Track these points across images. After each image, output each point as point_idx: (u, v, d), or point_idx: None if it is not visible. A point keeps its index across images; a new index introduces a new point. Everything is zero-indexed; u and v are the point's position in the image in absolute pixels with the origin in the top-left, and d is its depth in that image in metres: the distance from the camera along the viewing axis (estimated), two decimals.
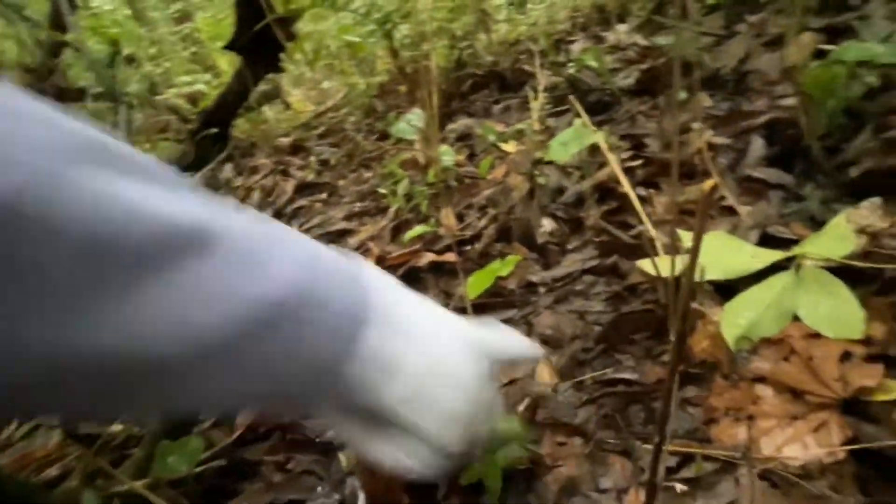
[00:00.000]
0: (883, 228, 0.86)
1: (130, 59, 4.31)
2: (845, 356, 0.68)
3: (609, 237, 1.10)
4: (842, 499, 0.57)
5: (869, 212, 0.90)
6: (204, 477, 0.80)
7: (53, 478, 0.94)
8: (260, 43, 2.33)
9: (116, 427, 0.95)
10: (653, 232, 0.79)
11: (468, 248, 1.25)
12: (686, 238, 0.95)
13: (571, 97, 0.93)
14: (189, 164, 2.95)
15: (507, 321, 1.01)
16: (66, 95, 4.28)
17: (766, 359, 0.73)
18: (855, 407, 0.63)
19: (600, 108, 1.67)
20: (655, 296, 0.92)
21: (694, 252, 0.40)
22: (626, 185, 0.71)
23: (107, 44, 4.21)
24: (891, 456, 0.58)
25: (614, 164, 0.73)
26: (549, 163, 1.36)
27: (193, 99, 4.79)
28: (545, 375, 0.87)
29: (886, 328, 0.70)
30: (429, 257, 1.22)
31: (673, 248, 0.72)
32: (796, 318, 0.77)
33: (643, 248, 0.90)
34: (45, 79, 4.04)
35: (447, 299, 1.14)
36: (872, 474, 0.58)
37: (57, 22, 3.55)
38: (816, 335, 0.73)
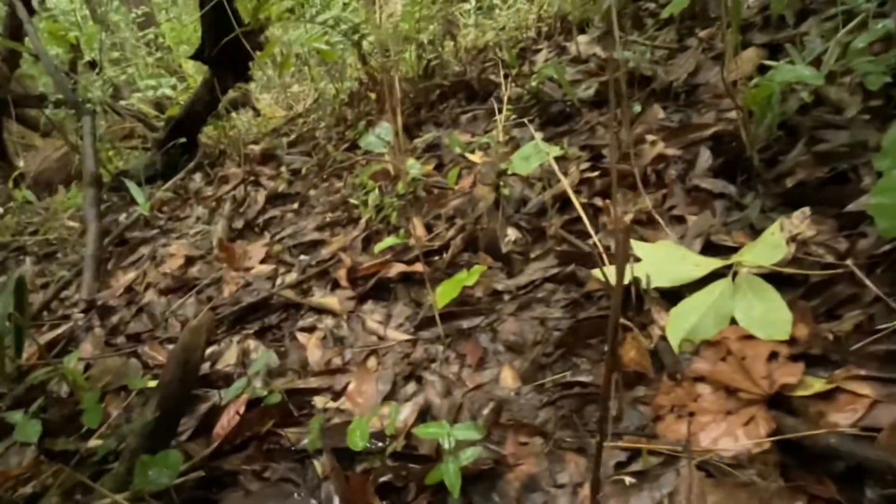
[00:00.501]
0: (810, 236, 0.95)
1: (92, 64, 4.22)
2: (773, 356, 0.75)
3: (568, 246, 1.17)
4: (766, 485, 0.64)
5: (799, 221, 0.98)
6: (184, 488, 0.83)
7: (29, 495, 0.95)
8: (228, 53, 2.33)
9: (94, 442, 0.97)
10: (599, 246, 0.86)
11: (437, 258, 1.30)
12: (637, 247, 1.02)
13: (527, 120, 0.99)
14: (157, 174, 2.92)
15: (473, 328, 1.07)
16: (25, 102, 4.18)
17: (706, 359, 0.80)
18: (779, 402, 0.70)
19: (562, 119, 1.74)
20: (609, 302, 0.98)
21: (619, 276, 0.46)
22: (576, 204, 0.77)
23: (66, 48, 4.11)
24: (808, 445, 0.65)
25: (566, 185, 0.79)
26: (513, 174, 1.42)
27: (159, 104, 4.72)
28: (509, 380, 0.93)
29: (809, 329, 0.78)
30: (399, 268, 1.26)
31: (619, 259, 0.79)
32: (733, 322, 0.84)
33: (598, 256, 0.97)
34: (3, 85, 3.93)
35: (417, 308, 1.19)
36: (793, 462, 0.66)
37: (14, 27, 3.47)
38: (750, 336, 0.80)
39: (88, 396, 0.86)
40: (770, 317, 0.81)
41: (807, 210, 1.00)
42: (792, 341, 0.77)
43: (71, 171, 4.22)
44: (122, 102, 4.33)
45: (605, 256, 0.98)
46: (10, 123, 4.44)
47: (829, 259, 0.89)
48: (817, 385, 0.69)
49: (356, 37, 2.11)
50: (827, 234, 0.94)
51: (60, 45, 4.19)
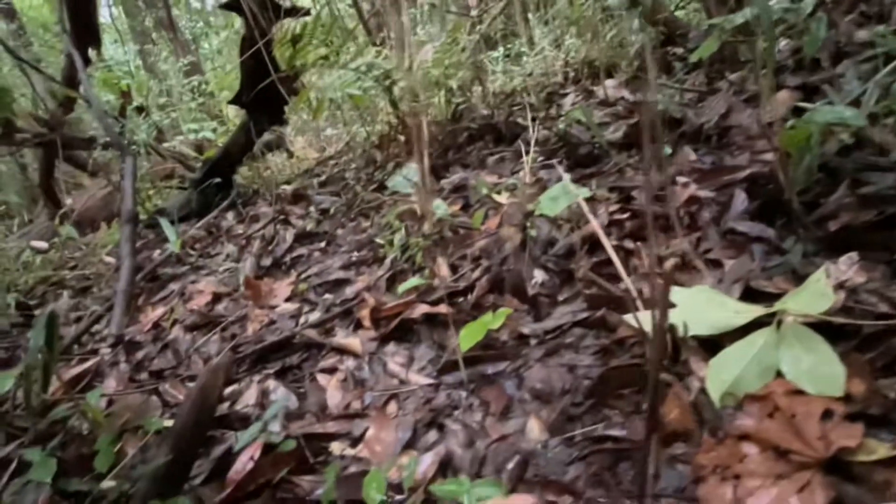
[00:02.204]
0: (860, 283, 0.88)
1: (140, 109, 4.47)
2: (827, 414, 0.69)
3: (598, 290, 1.12)
4: None
5: (847, 267, 0.92)
6: None
7: None
8: (264, 98, 2.43)
9: (107, 484, 0.95)
10: (633, 289, 0.82)
11: (461, 299, 1.27)
12: (672, 292, 0.98)
13: (555, 162, 0.97)
14: (192, 212, 3.01)
15: (498, 374, 1.02)
16: (75, 144, 4.43)
17: (751, 415, 0.74)
18: (837, 467, 0.64)
19: (590, 161, 1.72)
20: (643, 349, 0.93)
21: (661, 325, 0.43)
22: (607, 246, 0.74)
23: (117, 95, 4.39)
24: None
25: (596, 226, 0.76)
26: (541, 215, 1.40)
27: (199, 147, 4.94)
28: (535, 431, 0.87)
29: (866, 386, 0.71)
30: (422, 309, 1.24)
31: (654, 304, 0.75)
32: (780, 374, 0.78)
33: (630, 301, 0.93)
34: (56, 128, 4.18)
35: (440, 351, 1.16)
36: None
37: (70, 75, 3.71)
38: (799, 391, 0.74)
39: (103, 438, 0.85)
40: (820, 370, 0.74)
41: (854, 255, 0.94)
42: (847, 398, 0.70)
43: (114, 210, 4.41)
44: (165, 144, 4.55)
45: (638, 301, 0.94)
46: (62, 164, 4.71)
47: (883, 308, 0.83)
48: (881, 450, 0.63)
49: (387, 82, 2.17)
50: (878, 282, 0.88)
51: (112, 92, 4.47)
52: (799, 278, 0.98)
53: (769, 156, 1.34)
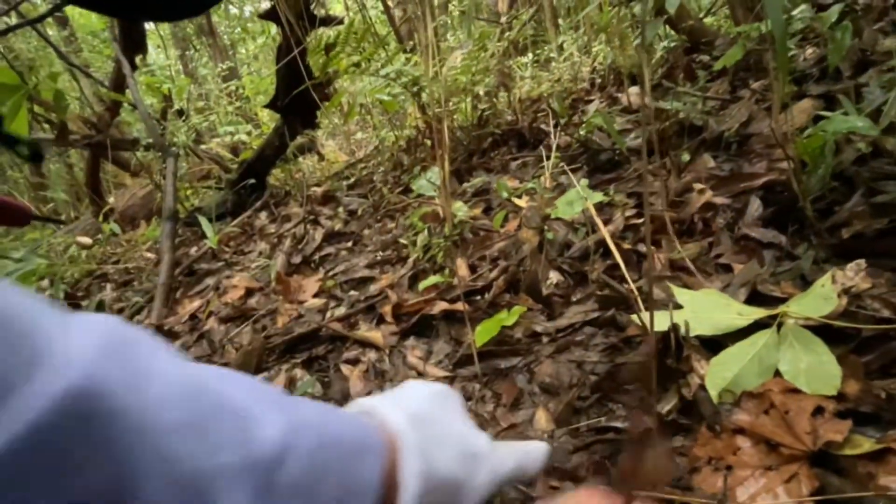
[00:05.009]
0: (865, 289, 0.91)
1: (180, 112, 4.68)
2: (818, 411, 0.72)
3: (610, 291, 1.17)
4: None
5: (853, 273, 0.95)
6: None
7: None
8: (298, 103, 2.54)
9: None
10: (635, 291, 0.86)
11: (479, 297, 1.33)
12: (678, 294, 1.01)
13: (574, 168, 1.02)
14: (227, 211, 3.16)
15: (511, 368, 1.08)
16: (120, 145, 4.67)
17: (748, 411, 0.78)
18: (824, 459, 0.67)
19: (610, 167, 1.76)
20: (649, 348, 0.97)
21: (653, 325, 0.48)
22: (613, 250, 0.79)
23: (159, 99, 4.61)
24: None
25: (604, 231, 0.81)
26: (558, 219, 1.45)
27: (235, 149, 5.14)
28: (542, 421, 0.93)
29: (860, 386, 0.74)
30: (442, 306, 1.30)
31: (657, 306, 0.79)
32: (778, 374, 0.82)
33: (633, 300, 0.97)
34: (103, 130, 4.42)
35: (457, 346, 1.22)
36: None
37: (117, 79, 3.93)
38: (795, 390, 0.77)
39: None
40: (817, 370, 0.78)
41: (862, 262, 0.97)
42: (840, 397, 0.73)
43: (153, 208, 4.63)
44: (203, 147, 4.75)
45: (644, 301, 0.98)
46: (106, 164, 4.97)
47: (886, 314, 0.85)
48: (867, 444, 0.66)
49: (415, 88, 2.25)
50: (883, 288, 0.90)
51: (155, 95, 4.70)
52: (807, 283, 1.00)
53: (786, 164, 1.36)
